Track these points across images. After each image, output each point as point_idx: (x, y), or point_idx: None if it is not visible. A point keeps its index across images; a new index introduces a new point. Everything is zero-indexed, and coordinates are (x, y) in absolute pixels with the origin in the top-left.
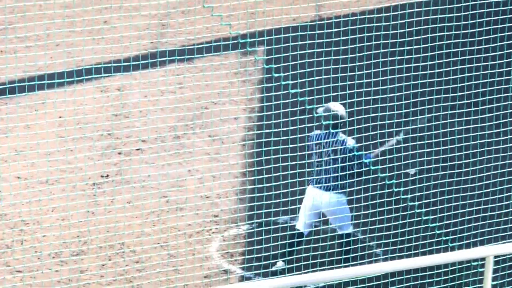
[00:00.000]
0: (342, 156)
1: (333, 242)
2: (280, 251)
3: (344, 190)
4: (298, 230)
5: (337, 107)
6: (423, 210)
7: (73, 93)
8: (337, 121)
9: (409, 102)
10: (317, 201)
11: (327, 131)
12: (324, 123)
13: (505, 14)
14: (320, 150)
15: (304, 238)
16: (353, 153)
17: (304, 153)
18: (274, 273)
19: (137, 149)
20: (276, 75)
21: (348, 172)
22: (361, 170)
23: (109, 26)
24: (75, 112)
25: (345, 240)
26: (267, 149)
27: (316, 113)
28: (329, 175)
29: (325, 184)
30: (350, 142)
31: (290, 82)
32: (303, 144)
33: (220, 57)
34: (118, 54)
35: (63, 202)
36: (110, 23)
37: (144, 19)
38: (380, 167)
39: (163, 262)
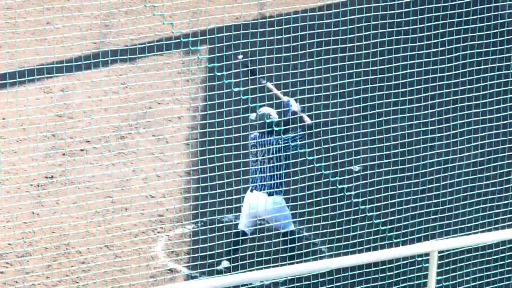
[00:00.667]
0: (278, 155)
1: (278, 240)
2: (224, 250)
3: (281, 190)
4: (241, 229)
5: (269, 111)
6: (367, 206)
7: (16, 94)
8: (269, 124)
9: (352, 99)
10: (254, 205)
11: (262, 134)
12: (258, 129)
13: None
14: (256, 153)
15: (248, 237)
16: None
17: (248, 151)
18: (219, 272)
19: (81, 150)
20: (219, 74)
21: (284, 171)
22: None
23: (52, 27)
24: (19, 113)
25: (288, 238)
26: (211, 148)
27: (251, 119)
28: (264, 178)
29: (261, 185)
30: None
31: (233, 80)
32: (247, 142)
33: (163, 57)
34: (61, 55)
35: (8, 204)
36: (53, 24)
37: (86, 20)
38: (324, 164)
39: (109, 262)
